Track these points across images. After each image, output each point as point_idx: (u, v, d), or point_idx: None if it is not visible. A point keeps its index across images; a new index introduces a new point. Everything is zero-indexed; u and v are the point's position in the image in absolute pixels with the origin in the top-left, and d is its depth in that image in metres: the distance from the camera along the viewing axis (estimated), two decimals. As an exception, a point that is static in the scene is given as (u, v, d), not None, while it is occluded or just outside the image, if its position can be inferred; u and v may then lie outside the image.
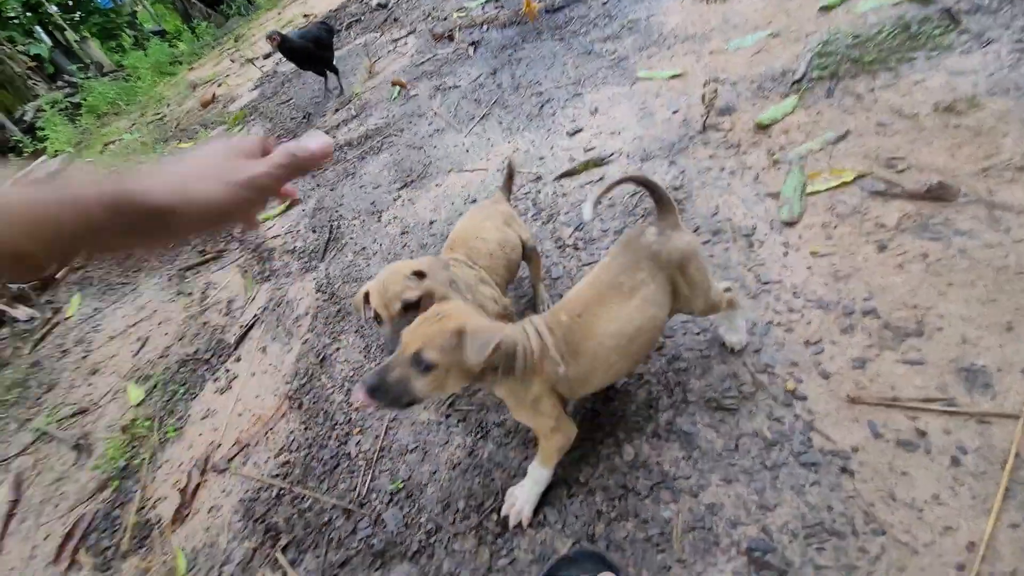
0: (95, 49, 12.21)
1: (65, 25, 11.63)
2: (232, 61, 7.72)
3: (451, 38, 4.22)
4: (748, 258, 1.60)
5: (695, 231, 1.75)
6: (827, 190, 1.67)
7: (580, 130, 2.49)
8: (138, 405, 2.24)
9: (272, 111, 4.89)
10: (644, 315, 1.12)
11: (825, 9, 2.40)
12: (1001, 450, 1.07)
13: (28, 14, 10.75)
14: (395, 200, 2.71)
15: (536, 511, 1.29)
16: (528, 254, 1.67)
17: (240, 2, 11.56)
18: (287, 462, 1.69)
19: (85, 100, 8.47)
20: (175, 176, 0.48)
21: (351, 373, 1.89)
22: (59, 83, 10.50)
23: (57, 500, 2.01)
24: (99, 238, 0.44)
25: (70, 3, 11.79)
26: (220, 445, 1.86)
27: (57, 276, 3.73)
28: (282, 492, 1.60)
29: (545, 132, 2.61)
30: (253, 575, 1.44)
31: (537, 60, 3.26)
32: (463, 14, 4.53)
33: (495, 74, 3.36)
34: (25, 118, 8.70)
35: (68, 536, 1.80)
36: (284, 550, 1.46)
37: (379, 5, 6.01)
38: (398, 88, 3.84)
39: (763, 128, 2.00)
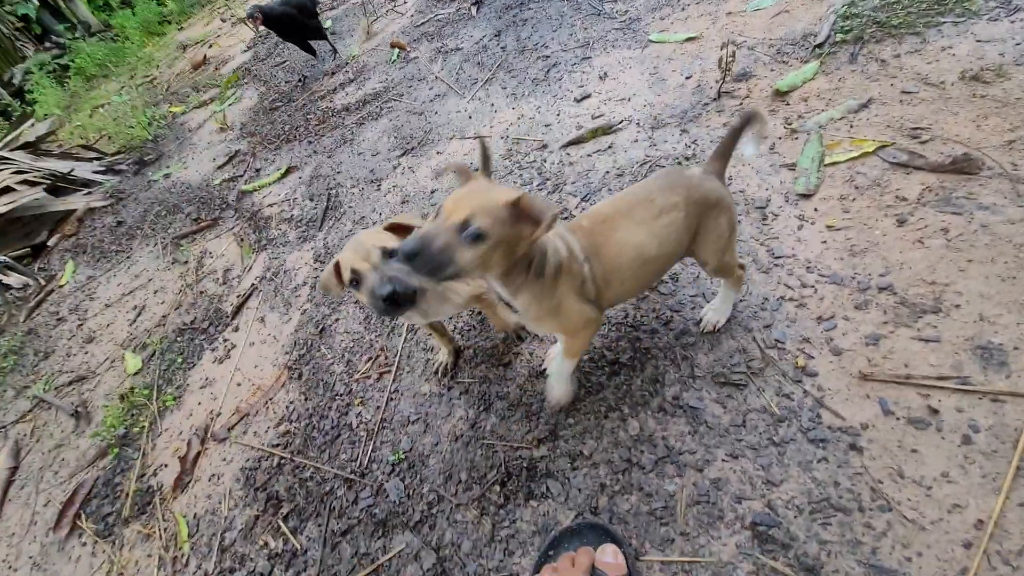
0: (82, 8, 11.65)
1: (49, -19, 11.07)
2: (223, 20, 7.39)
3: (452, -2, 4.01)
4: (761, 231, 1.55)
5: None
6: (846, 161, 1.60)
7: (588, 96, 2.38)
8: (135, 374, 2.22)
9: (266, 74, 4.70)
10: (666, 236, 1.09)
11: (851, -32, 2.26)
12: (1014, 429, 1.06)
13: (10, -31, 10.21)
14: (395, 168, 2.63)
15: (539, 483, 1.28)
16: None
17: (230, -42, 10.98)
18: (287, 432, 1.68)
19: (73, 62, 8.15)
20: None
21: (351, 344, 1.86)
22: (47, 44, 10.08)
23: (56, 467, 2.01)
24: None
25: (52, -43, 11.19)
26: (220, 414, 1.85)
27: (49, 243, 3.66)
28: (283, 461, 1.60)
29: (551, 98, 2.50)
30: (255, 542, 1.45)
31: (543, 21, 3.11)
32: (465, -28, 4.30)
33: (499, 36, 3.21)
34: (13, 81, 8.38)
35: (68, 503, 1.80)
36: (286, 518, 1.46)
37: None
38: (397, 50, 3.68)
39: (781, 95, 1.91)
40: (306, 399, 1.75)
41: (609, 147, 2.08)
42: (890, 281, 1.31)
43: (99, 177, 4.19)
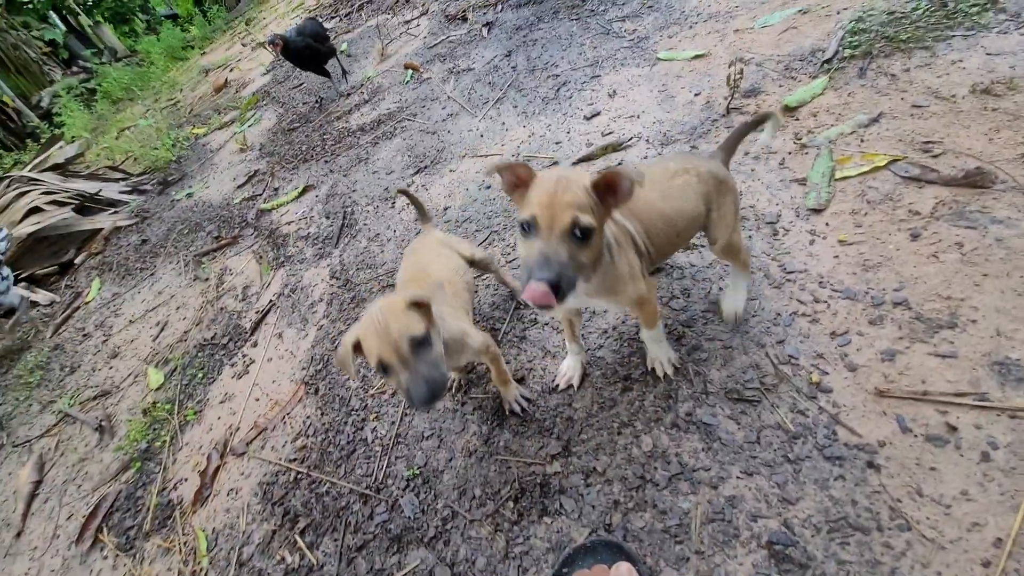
0: (108, 34, 12.24)
1: (79, 10, 11.64)
2: (243, 45, 7.69)
3: (464, 19, 4.13)
4: (772, 246, 1.56)
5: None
6: (857, 175, 1.60)
7: (598, 114, 2.43)
8: (158, 388, 2.28)
9: (284, 96, 4.87)
10: (681, 194, 1.18)
11: (857, -16, 2.29)
12: (1036, 447, 1.04)
13: (42, -1, 10.77)
14: (409, 186, 2.69)
15: (552, 499, 1.29)
16: (480, 264, 1.65)
17: (250, -15, 11.43)
18: (304, 447, 1.71)
19: (100, 86, 8.53)
20: None
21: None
22: (74, 69, 10.57)
23: (80, 481, 2.06)
24: None
25: (82, -14, 11.78)
26: (238, 429, 1.89)
27: (76, 261, 3.80)
28: (300, 476, 1.63)
29: (561, 116, 2.55)
30: (272, 556, 1.47)
31: (553, 41, 3.18)
32: (476, -6, 4.43)
33: (510, 56, 3.29)
34: (42, 104, 8.80)
35: (91, 516, 1.85)
36: (302, 533, 1.48)
37: None
38: (411, 71, 3.79)
39: (790, 111, 1.92)
40: (322, 414, 1.78)
41: (619, 164, 2.11)
42: (905, 296, 1.31)
43: (125, 197, 4.36)
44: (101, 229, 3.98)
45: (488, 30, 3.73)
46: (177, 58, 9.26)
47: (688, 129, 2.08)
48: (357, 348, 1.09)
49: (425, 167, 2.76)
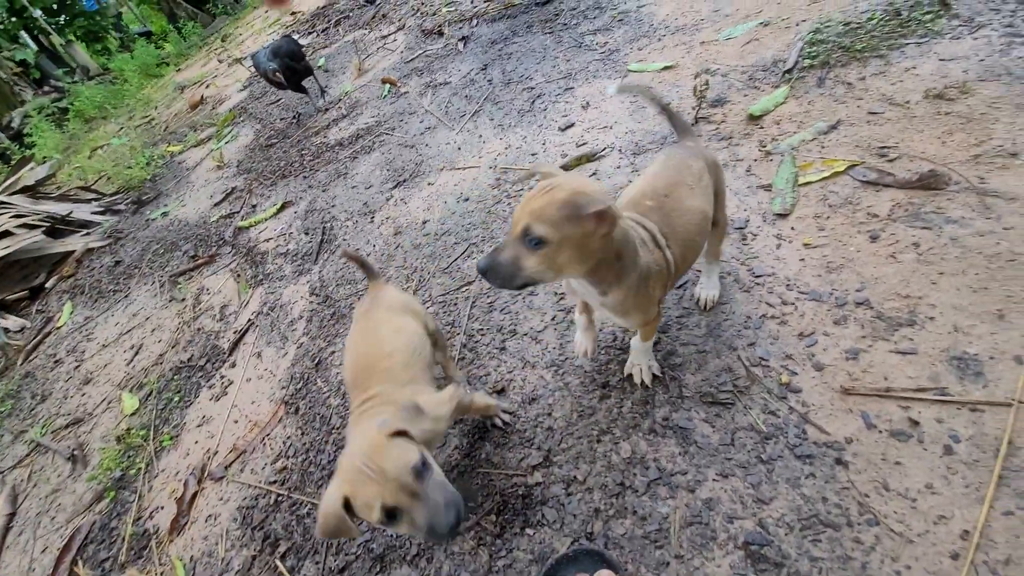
0: (81, 52, 12.05)
1: (50, 29, 11.44)
2: (220, 61, 7.64)
3: (441, 33, 4.18)
4: (741, 251, 1.60)
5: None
6: (819, 180, 1.66)
7: (572, 125, 2.47)
8: (133, 414, 2.23)
9: (262, 112, 4.84)
10: (709, 195, 1.20)
11: (815, -3, 2.39)
12: (994, 438, 1.08)
13: (12, 19, 10.57)
14: (387, 200, 2.69)
15: (535, 510, 1.29)
16: (434, 338, 1.43)
17: (226, 1, 11.42)
18: (284, 468, 1.68)
19: (72, 105, 8.38)
20: None
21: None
22: (46, 88, 10.37)
23: (54, 512, 2.00)
24: None
25: (54, 7, 11.59)
26: (216, 452, 1.85)
27: (47, 285, 3.70)
28: (280, 498, 1.60)
29: (537, 127, 2.59)
30: (253, 582, 1.44)
31: (527, 54, 3.24)
32: (452, 8, 4.49)
33: (486, 69, 3.34)
34: (12, 125, 8.60)
35: (65, 548, 1.79)
36: (283, 557, 1.46)
37: (367, 1, 5.94)
38: (388, 86, 3.81)
39: (755, 119, 1.99)
40: (303, 433, 1.76)
41: (593, 174, 2.15)
42: (866, 296, 1.35)
43: (97, 218, 4.27)
44: (73, 251, 3.89)
45: (464, 44, 3.78)
46: (151, 75, 9.16)
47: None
48: (347, 506, 0.91)
49: (404, 181, 2.76)
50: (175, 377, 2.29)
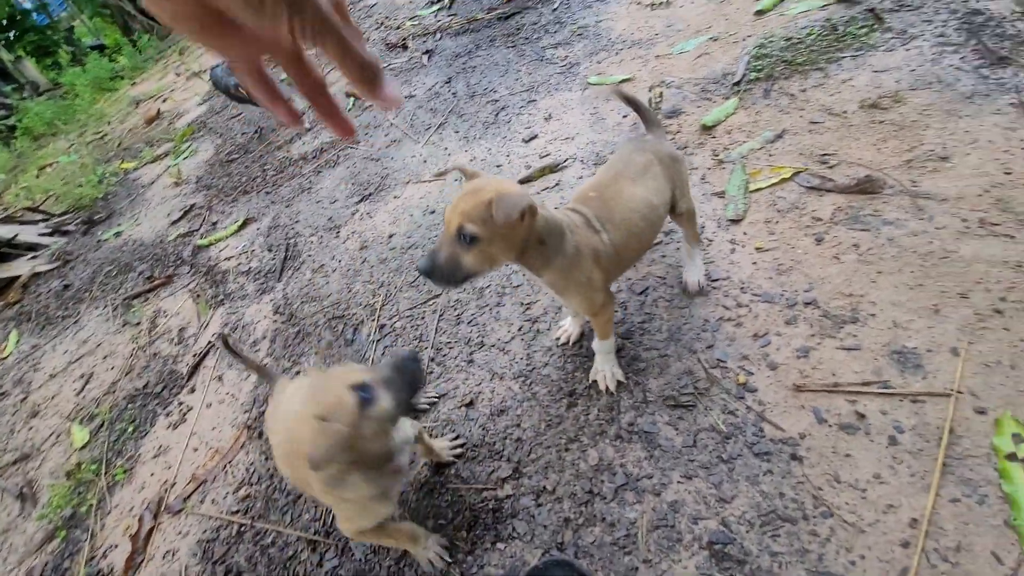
0: (30, 68, 11.50)
1: (-2, 45, 10.90)
2: (178, 75, 7.42)
3: (405, 47, 4.19)
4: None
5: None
6: (768, 187, 1.74)
7: (535, 136, 2.51)
8: (83, 447, 2.11)
9: (222, 127, 4.72)
10: (657, 187, 1.27)
11: (760, 13, 2.51)
12: (935, 427, 1.14)
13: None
14: (353, 214, 2.66)
15: (505, 524, 1.29)
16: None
17: (184, 14, 11.09)
18: (248, 496, 1.62)
19: (20, 122, 7.96)
20: None
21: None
22: (-9, 106, 9.82)
23: (5, 553, 1.87)
24: None
25: (3, 22, 11.04)
26: (175, 484, 1.77)
27: (-11, 313, 3.48)
28: (243, 528, 1.54)
29: (501, 139, 2.62)
30: (214, 618, 1.38)
31: (491, 67, 3.28)
32: (416, 22, 4.51)
33: (450, 82, 3.36)
34: (-47, 143, 8.09)
35: (9, 596, 1.67)
36: (246, 589, 1.40)
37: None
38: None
39: (708, 129, 2.07)
40: (267, 459, 1.70)
41: (557, 184, 2.18)
42: (814, 296, 1.42)
43: (45, 240, 4.06)
44: (19, 276, 3.67)
45: (428, 58, 3.80)
46: (105, 89, 8.81)
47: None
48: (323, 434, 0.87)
49: (369, 194, 2.74)
50: (129, 406, 2.18)
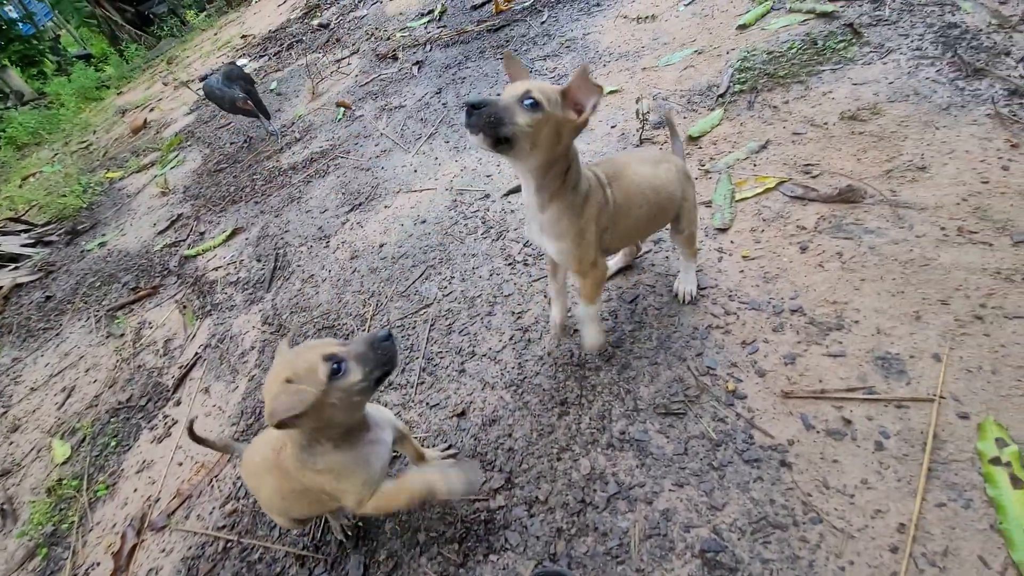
0: (15, 77, 11.34)
1: (-19, 55, 10.74)
2: (165, 84, 7.37)
3: (395, 58, 4.22)
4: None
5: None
6: (753, 196, 1.77)
7: (524, 147, 2.53)
8: (64, 463, 2.05)
9: (210, 136, 4.69)
10: (666, 179, 1.32)
11: (742, 27, 2.58)
12: (920, 432, 1.16)
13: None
14: (343, 224, 2.65)
15: (497, 535, 1.28)
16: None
17: (172, 23, 11.09)
18: (234, 511, 1.59)
19: (4, 132, 7.84)
20: None
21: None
22: (-29, 115, 9.64)
23: (-22, 576, 1.80)
24: None
25: (-11, 31, 10.90)
26: (158, 499, 1.73)
27: (-33, 326, 3.39)
28: (229, 545, 1.50)
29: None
30: (199, 639, 1.34)
31: (480, 78, 3.31)
32: (406, 34, 4.55)
33: (440, 93, 3.38)
34: (-69, 153, 7.92)
35: (-17, 620, 1.61)
36: (233, 607, 1.37)
37: (321, 25, 5.93)
38: (343, 109, 3.79)
39: (694, 140, 2.11)
40: (254, 472, 1.67)
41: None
42: (799, 303, 1.44)
43: (28, 250, 3.98)
44: (0, 288, 3.59)
45: (418, 68, 3.82)
46: (90, 99, 8.72)
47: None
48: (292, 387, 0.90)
49: (360, 204, 2.74)
50: (112, 420, 2.13)
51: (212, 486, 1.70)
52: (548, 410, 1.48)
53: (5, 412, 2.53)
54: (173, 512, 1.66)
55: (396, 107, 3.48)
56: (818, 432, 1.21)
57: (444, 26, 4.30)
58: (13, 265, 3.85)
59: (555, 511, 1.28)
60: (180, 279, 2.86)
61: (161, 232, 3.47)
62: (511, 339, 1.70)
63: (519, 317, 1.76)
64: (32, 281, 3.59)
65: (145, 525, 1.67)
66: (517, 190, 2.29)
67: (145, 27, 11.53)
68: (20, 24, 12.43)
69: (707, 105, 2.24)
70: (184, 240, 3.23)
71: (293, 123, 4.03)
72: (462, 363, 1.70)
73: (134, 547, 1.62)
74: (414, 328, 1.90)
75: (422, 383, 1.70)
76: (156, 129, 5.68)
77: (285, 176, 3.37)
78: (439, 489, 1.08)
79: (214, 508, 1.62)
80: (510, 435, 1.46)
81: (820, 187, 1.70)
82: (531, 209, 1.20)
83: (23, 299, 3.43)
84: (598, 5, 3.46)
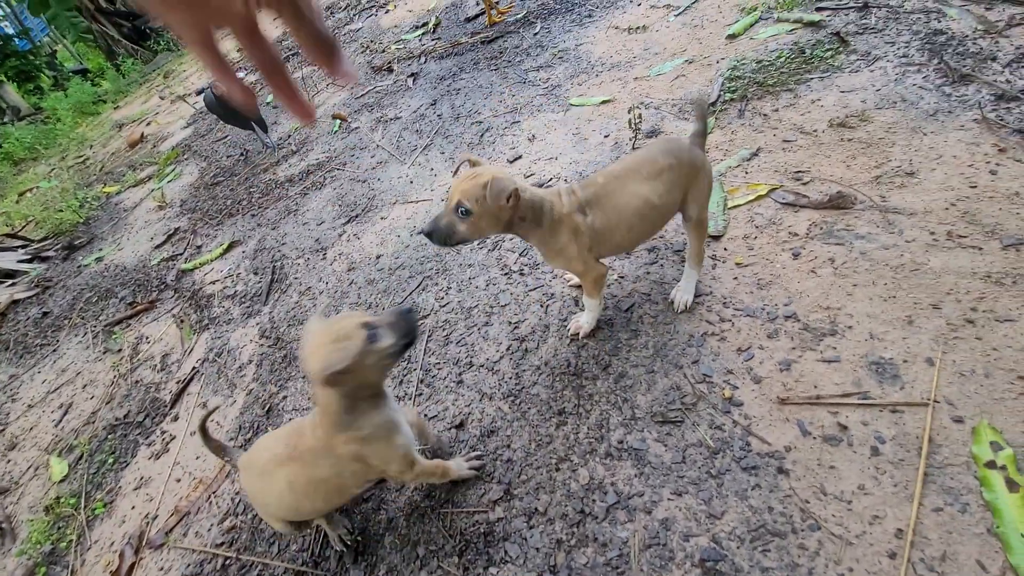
0: (11, 93, 11.39)
1: (-22, 71, 10.79)
2: (162, 98, 7.41)
3: (390, 70, 4.26)
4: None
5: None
6: (746, 203, 1.79)
7: (519, 157, 2.56)
8: (62, 480, 2.04)
9: (207, 149, 4.72)
10: (665, 189, 1.34)
11: (731, 37, 2.62)
12: (915, 437, 1.17)
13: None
14: (340, 236, 2.67)
15: (497, 547, 1.27)
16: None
17: (169, 37, 11.17)
18: (233, 527, 1.58)
19: (1, 147, 7.86)
20: None
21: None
22: (-33, 130, 9.67)
23: (-31, 599, 1.78)
24: None
25: (-15, 48, 10.98)
26: (156, 517, 1.72)
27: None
28: (228, 562, 1.49)
29: (486, 160, 2.66)
30: (197, 659, 1.33)
31: (475, 90, 3.34)
32: (401, 46, 4.59)
33: (435, 104, 3.41)
34: (-72, 169, 7.92)
35: (-22, 643, 1.59)
36: (232, 625, 1.36)
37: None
38: (339, 121, 3.82)
39: (686, 148, 2.13)
40: (253, 487, 1.66)
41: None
42: (793, 310, 1.45)
43: (24, 266, 3.98)
44: (-6, 305, 3.58)
45: (413, 80, 3.86)
46: (87, 113, 8.76)
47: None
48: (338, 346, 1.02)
49: (356, 216, 2.75)
50: (109, 436, 2.12)
51: (210, 502, 1.69)
52: (546, 420, 1.48)
53: (3, 430, 2.52)
54: (171, 529, 1.65)
55: (392, 119, 3.51)
56: (814, 438, 1.21)
57: (438, 38, 4.34)
58: (10, 281, 3.84)
59: (554, 522, 1.28)
60: (177, 293, 2.86)
61: (158, 246, 3.48)
62: (508, 349, 1.71)
63: (516, 327, 1.77)
64: (29, 297, 3.58)
65: (143, 543, 1.66)
66: (512, 200, 2.31)
67: (142, 41, 11.61)
68: (16, 39, 12.51)
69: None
70: (181, 254, 3.24)
71: (289, 136, 4.06)
72: (460, 374, 1.70)
73: (132, 565, 1.60)
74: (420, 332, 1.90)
75: (420, 394, 1.70)
76: (153, 143, 5.70)
77: (282, 188, 3.39)
78: (454, 473, 1.33)
79: (212, 525, 1.61)
80: (508, 446, 1.47)
81: (811, 194, 1.72)
82: (522, 239, 1.40)
83: (20, 315, 3.42)
84: (590, 16, 3.51)
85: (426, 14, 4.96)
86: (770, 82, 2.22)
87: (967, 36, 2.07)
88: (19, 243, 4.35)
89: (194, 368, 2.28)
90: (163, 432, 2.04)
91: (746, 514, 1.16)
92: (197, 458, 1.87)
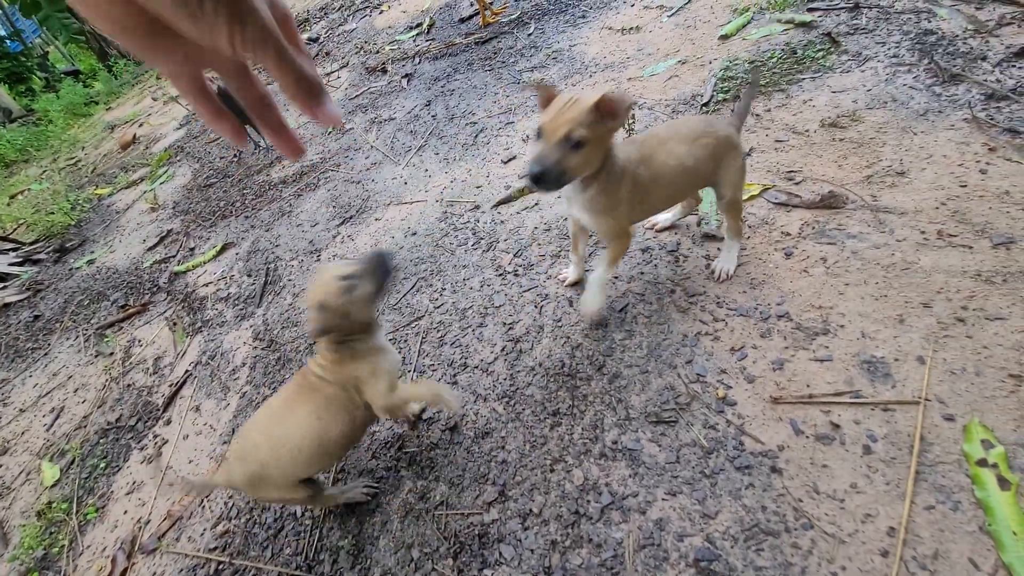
0: (3, 94, 11.27)
1: (-35, 72, 10.67)
2: (155, 99, 7.36)
3: (384, 71, 4.25)
4: (675, 272, 1.69)
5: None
6: (739, 204, 1.79)
7: (514, 158, 2.56)
8: (53, 485, 2.02)
9: (200, 151, 4.69)
10: (699, 156, 1.37)
11: (724, 38, 2.63)
12: (907, 435, 1.17)
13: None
14: (334, 237, 2.66)
15: (492, 549, 1.27)
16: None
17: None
18: (226, 531, 1.57)
19: (-11, 150, 7.77)
20: None
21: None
22: (-43, 132, 9.56)
23: (-41, 607, 1.76)
24: None
25: (-25, 51, 10.87)
26: (148, 522, 1.70)
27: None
28: (221, 567, 1.48)
29: (481, 161, 2.66)
30: (190, 664, 1.32)
31: (469, 90, 3.34)
32: (395, 47, 4.58)
33: (429, 105, 3.41)
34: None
35: (-33, 651, 1.57)
36: (225, 631, 1.35)
37: (310, 39, 5.96)
38: (331, 128, 3.80)
39: (680, 148, 2.13)
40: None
41: (536, 204, 2.22)
42: (786, 309, 1.46)
43: (15, 270, 3.93)
44: (-16, 308, 3.54)
45: (408, 81, 3.85)
46: (79, 115, 8.69)
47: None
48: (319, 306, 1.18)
49: (351, 217, 2.74)
50: (101, 440, 2.10)
51: (203, 507, 1.68)
52: (540, 421, 1.48)
53: (-8, 435, 2.49)
54: (164, 534, 1.64)
55: (386, 120, 3.50)
56: (807, 437, 1.22)
57: (432, 39, 4.34)
58: (1, 285, 3.80)
59: (549, 523, 1.28)
60: (170, 296, 2.84)
61: (151, 248, 3.45)
62: (503, 350, 1.71)
63: (510, 328, 1.76)
64: (20, 300, 3.55)
65: (136, 548, 1.65)
66: (507, 201, 2.31)
67: (134, 43, 11.49)
68: (8, 41, 12.39)
69: (692, 114, 2.28)
70: (174, 256, 3.21)
71: (249, 137, 4.03)
72: (454, 375, 1.70)
73: (125, 571, 1.59)
74: (406, 341, 1.89)
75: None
76: (145, 144, 5.66)
77: (275, 190, 3.37)
78: (445, 397, 1.29)
79: (205, 529, 1.60)
80: (503, 447, 1.46)
81: (803, 193, 1.72)
82: (573, 189, 1.30)
83: (11, 319, 3.39)
84: (584, 17, 3.52)
85: (420, 15, 4.96)
86: (762, 82, 2.23)
87: (957, 36, 2.09)
88: (10, 246, 4.31)
89: (187, 371, 2.26)
90: (155, 436, 2.02)
91: (740, 513, 1.16)
92: (190, 462, 1.85)
